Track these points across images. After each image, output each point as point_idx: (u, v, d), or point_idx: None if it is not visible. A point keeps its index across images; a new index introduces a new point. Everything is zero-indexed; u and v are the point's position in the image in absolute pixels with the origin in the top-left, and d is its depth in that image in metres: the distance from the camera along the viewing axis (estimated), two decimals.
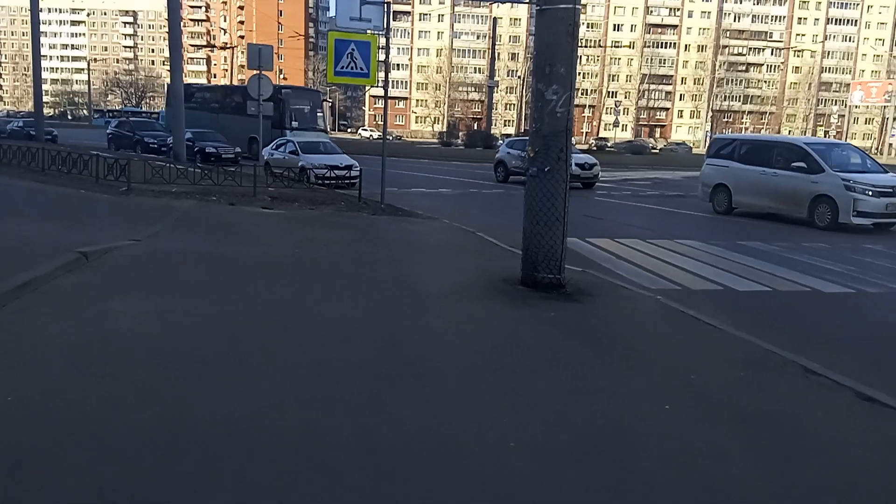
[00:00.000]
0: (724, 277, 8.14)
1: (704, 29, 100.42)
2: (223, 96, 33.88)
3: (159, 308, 5.15)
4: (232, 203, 11.75)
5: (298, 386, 3.84)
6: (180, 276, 6.35)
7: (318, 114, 29.20)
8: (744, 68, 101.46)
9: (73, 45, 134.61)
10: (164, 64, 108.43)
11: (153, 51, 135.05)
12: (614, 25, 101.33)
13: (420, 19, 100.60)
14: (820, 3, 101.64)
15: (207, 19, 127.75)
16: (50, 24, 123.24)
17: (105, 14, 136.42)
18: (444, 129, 76.13)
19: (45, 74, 33.42)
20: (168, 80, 29.08)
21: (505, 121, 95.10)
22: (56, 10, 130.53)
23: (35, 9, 26.86)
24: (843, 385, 4.22)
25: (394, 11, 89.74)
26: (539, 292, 6.26)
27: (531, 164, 6.49)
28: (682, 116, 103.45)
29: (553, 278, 6.41)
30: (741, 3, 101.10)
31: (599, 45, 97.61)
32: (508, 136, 66.51)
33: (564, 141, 6.40)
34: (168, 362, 4.06)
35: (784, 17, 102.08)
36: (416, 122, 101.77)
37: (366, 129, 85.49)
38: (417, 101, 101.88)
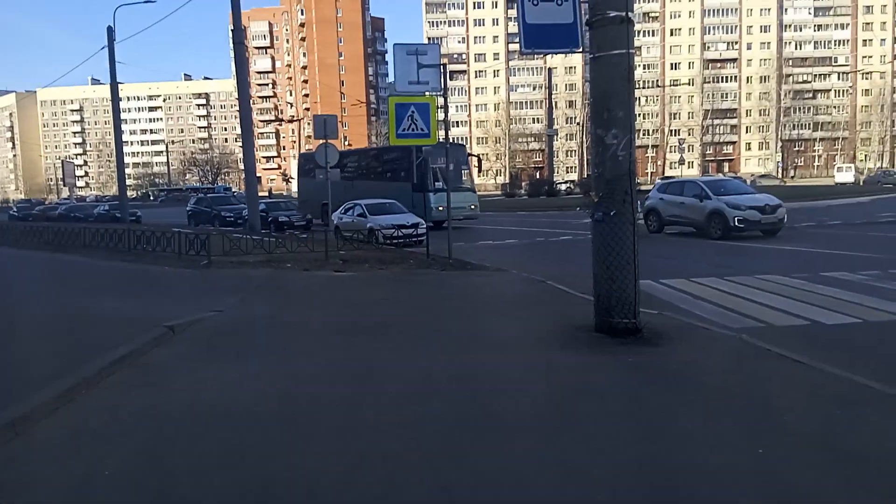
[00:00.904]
0: (811, 311, 7.82)
1: (765, 59, 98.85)
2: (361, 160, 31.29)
3: (245, 374, 5.33)
4: (306, 269, 12.11)
5: (381, 442, 3.88)
6: (262, 343, 6.56)
7: (464, 170, 27.07)
8: (810, 95, 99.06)
9: (151, 130, 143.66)
10: (236, 140, 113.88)
11: (225, 129, 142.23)
12: (671, 64, 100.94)
13: (476, 76, 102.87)
14: (885, 22, 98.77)
15: (275, 95, 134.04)
16: (129, 111, 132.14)
17: (180, 98, 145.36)
18: (507, 181, 76.68)
19: (126, 159, 35.63)
20: (241, 153, 30.77)
21: (567, 167, 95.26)
22: (135, 97, 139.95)
23: (115, 97, 28.86)
24: None
25: (450, 72, 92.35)
26: (615, 338, 6.17)
27: (597, 209, 6.49)
28: (750, 149, 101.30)
29: (628, 323, 6.31)
30: (801, 31, 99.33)
31: (658, 85, 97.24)
32: (573, 182, 66.45)
33: (628, 184, 6.39)
34: (256, 424, 4.19)
35: (847, 40, 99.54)
36: (479, 176, 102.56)
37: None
38: (479, 155, 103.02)
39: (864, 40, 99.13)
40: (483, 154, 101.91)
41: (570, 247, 17.03)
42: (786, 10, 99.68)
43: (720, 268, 11.53)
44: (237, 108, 22.07)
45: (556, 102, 73.84)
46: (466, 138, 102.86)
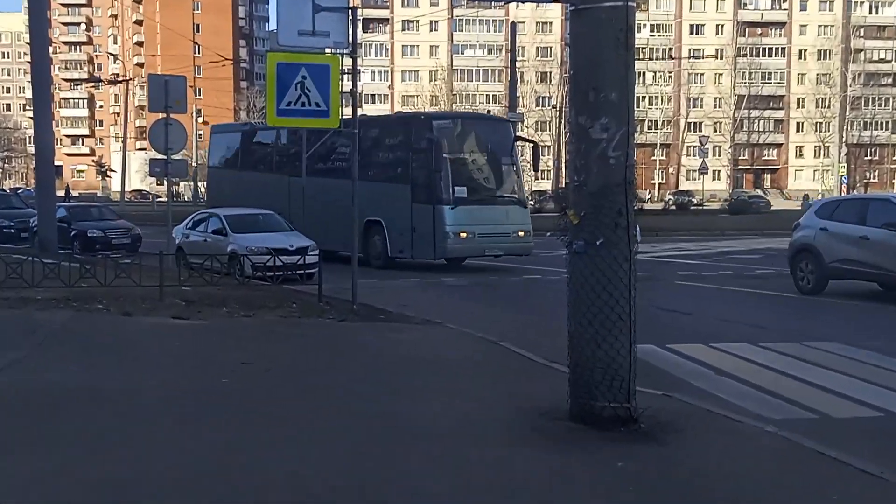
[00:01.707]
0: (885, 398, 8.10)
1: (826, 26, 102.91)
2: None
3: (21, 479, 5.12)
4: (127, 313, 11.83)
5: None
6: (52, 428, 6.31)
7: (505, 165, 22.53)
8: (889, 81, 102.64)
9: None
10: (24, 109, 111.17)
11: (8, 89, 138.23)
12: (692, 27, 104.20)
13: (404, 29, 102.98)
14: None
15: (90, 41, 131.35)
16: None
17: None
18: None
19: None
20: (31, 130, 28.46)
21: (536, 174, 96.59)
22: None
23: None
24: None
25: (364, 20, 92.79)
26: (598, 430, 6.21)
27: (576, 235, 6.54)
28: (801, 155, 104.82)
29: (619, 408, 6.36)
30: None
31: (672, 57, 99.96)
32: (542, 193, 66.74)
33: (624, 199, 6.45)
34: None
35: None
36: (534, 177, 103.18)
37: None
38: None
39: None
40: None
41: (536, 289, 17.22)
42: None
43: (752, 328, 11.81)
44: (28, 57, 20.72)
45: (521, 74, 74.92)
46: None
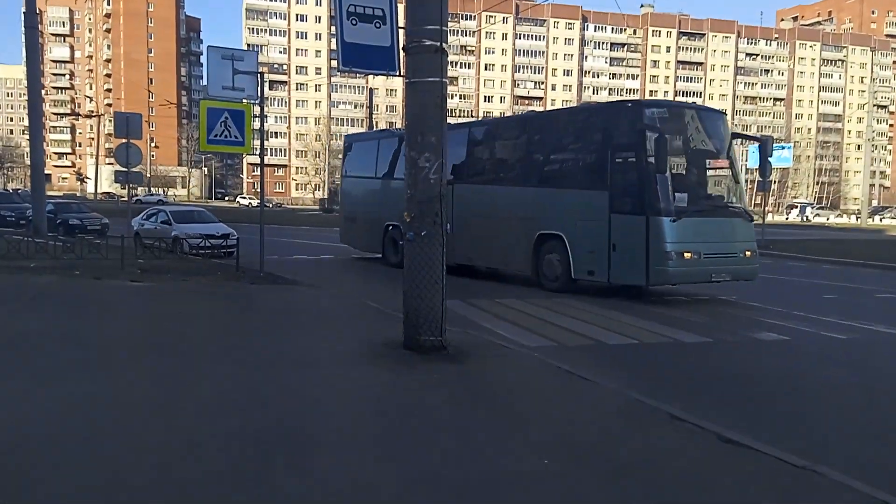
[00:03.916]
0: (596, 332, 8.50)
1: (567, 101, 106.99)
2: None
3: (10, 394, 4.72)
4: (97, 277, 11.04)
5: (171, 469, 3.60)
6: (36, 359, 5.85)
7: (722, 171, 12.44)
8: None
9: None
10: (23, 133, 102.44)
11: (12, 119, 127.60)
12: (485, 97, 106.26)
13: (297, 89, 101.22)
14: (668, 77, 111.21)
15: (72, 87, 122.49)
16: None
17: None
18: (326, 196, 75.98)
19: None
20: (28, 148, 26.37)
21: None
22: None
23: None
24: (705, 429, 4.46)
25: (270, 81, 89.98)
26: (421, 355, 6.26)
27: (408, 228, 6.58)
28: None
29: (435, 340, 6.43)
30: (598, 77, 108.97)
31: (472, 116, 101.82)
32: None
33: (439, 206, 6.55)
34: (16, 448, 3.70)
35: (637, 89, 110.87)
36: (297, 190, 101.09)
37: (245, 197, 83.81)
38: (297, 168, 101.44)
39: (651, 91, 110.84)
40: (302, 168, 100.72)
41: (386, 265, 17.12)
42: (586, 57, 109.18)
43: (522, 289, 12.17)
44: (26, 96, 19.03)
45: (376, 122, 74.52)
46: (286, 150, 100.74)
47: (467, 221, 13.69)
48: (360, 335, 7.36)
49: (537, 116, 17.66)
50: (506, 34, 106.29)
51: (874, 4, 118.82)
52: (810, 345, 8.19)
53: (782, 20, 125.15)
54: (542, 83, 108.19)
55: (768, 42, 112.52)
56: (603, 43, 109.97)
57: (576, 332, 8.44)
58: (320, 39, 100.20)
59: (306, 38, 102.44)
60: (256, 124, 12.52)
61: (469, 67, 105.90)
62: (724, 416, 4.88)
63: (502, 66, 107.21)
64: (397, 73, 7.02)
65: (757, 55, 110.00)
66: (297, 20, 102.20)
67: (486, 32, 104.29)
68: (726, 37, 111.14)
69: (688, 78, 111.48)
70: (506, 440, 4.24)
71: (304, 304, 9.99)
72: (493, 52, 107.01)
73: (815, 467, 3.81)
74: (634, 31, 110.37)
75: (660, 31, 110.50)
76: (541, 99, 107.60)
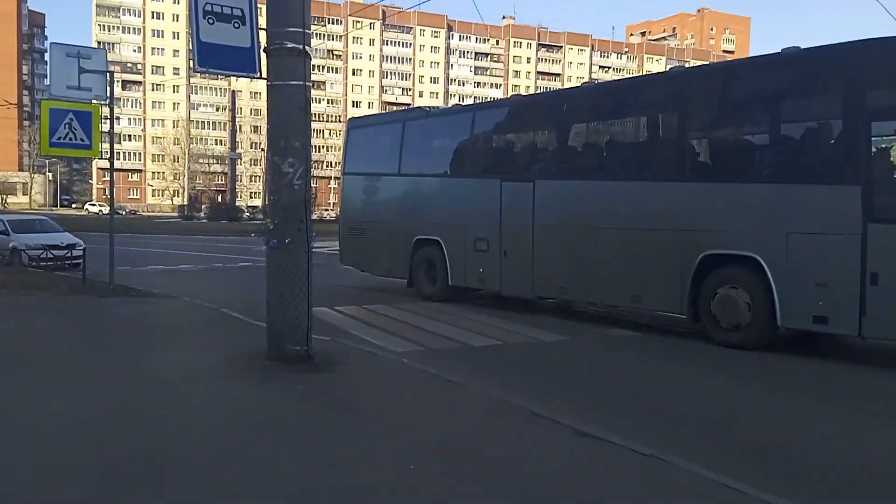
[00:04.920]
0: (463, 335, 8.67)
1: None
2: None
3: None
4: None
5: (15, 497, 3.29)
6: None
7: None
8: None
9: None
10: None
11: None
12: (353, 102, 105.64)
13: (153, 89, 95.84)
14: (529, 87, 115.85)
15: None
16: None
17: None
18: (185, 203, 72.56)
19: None
20: None
21: (252, 193, 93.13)
22: None
23: None
24: (563, 424, 4.67)
25: (122, 81, 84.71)
26: (286, 365, 6.12)
27: (271, 236, 6.41)
28: None
29: (300, 350, 6.31)
30: (464, 86, 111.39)
31: (341, 121, 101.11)
32: (255, 208, 64.44)
33: (304, 212, 6.45)
34: None
35: (500, 96, 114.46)
36: (154, 196, 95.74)
37: (94, 205, 78.32)
38: (154, 173, 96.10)
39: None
40: (159, 173, 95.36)
41: (249, 273, 16.58)
42: (452, 65, 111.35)
43: (392, 296, 12.18)
44: None
45: (240, 126, 72.29)
46: (141, 154, 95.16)
47: (557, 235, 9.73)
48: (222, 348, 7.07)
49: (698, 72, 11.47)
50: (373, 40, 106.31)
51: (713, 22, 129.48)
52: (651, 341, 8.79)
53: (632, 35, 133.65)
54: (410, 89, 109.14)
55: (619, 55, 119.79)
56: (468, 52, 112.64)
57: (443, 336, 8.58)
58: (178, 38, 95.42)
59: (163, 36, 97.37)
60: (106, 126, 11.76)
61: (337, 72, 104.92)
62: (580, 411, 5.14)
63: (370, 71, 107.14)
64: (258, 76, 6.83)
65: (609, 68, 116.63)
66: (152, 18, 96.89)
67: (354, 37, 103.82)
68: (581, 49, 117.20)
69: (547, 88, 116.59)
70: (372, 448, 4.23)
71: (159, 316, 9.47)
72: (361, 58, 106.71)
73: (661, 455, 4.09)
74: (497, 42, 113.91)
75: (521, 43, 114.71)
76: (409, 105, 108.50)
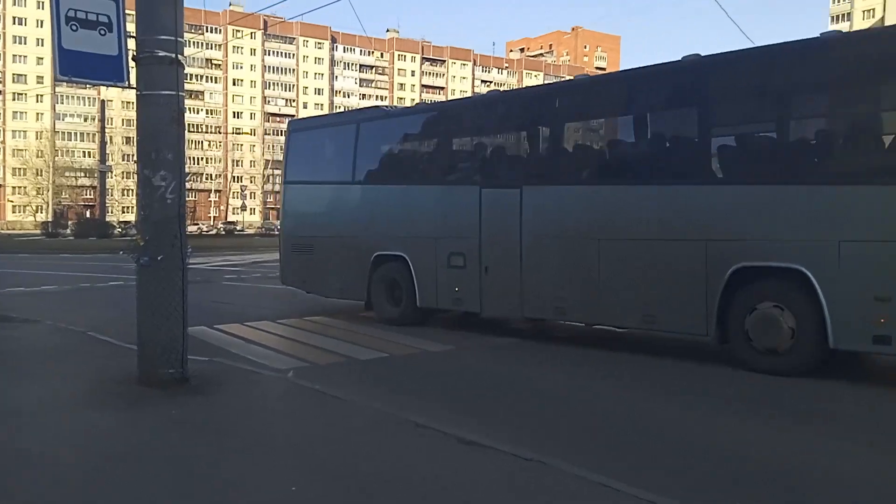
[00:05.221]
0: (349, 349, 8.56)
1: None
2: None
3: None
4: None
5: None
6: None
7: None
8: None
9: None
10: None
11: None
12: (234, 113, 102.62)
13: (14, 99, 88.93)
14: (414, 100, 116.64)
15: None
16: None
17: None
18: (50, 219, 67.53)
19: None
20: None
21: (124, 207, 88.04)
22: None
23: None
24: (448, 434, 4.69)
25: None
26: (160, 390, 5.79)
27: (142, 252, 6.07)
28: None
29: (175, 373, 5.99)
30: (349, 98, 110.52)
31: (220, 132, 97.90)
32: (127, 223, 60.94)
33: (178, 227, 6.16)
34: None
35: None
36: (14, 212, 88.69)
37: None
38: (14, 188, 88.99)
39: None
40: (20, 188, 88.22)
41: (120, 293, 15.61)
42: (336, 77, 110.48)
43: (273, 311, 11.83)
44: None
45: (111, 137, 68.20)
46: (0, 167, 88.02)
47: (552, 248, 8.55)
48: (88, 374, 6.60)
49: (727, 59, 7.70)
50: (254, 49, 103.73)
51: (586, 41, 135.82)
52: (532, 347, 9.05)
53: (511, 51, 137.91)
54: (294, 101, 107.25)
55: (500, 70, 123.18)
56: (352, 64, 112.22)
57: (330, 351, 8.44)
58: (42, 45, 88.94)
59: (25, 43, 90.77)
60: None
61: (216, 82, 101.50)
62: (465, 419, 5.19)
63: (252, 81, 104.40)
64: (126, 85, 6.48)
65: (491, 82, 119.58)
66: (14, 23, 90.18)
67: (234, 47, 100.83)
68: (464, 64, 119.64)
69: (432, 101, 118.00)
70: (252, 472, 4.06)
71: (20, 342, 8.70)
72: (242, 67, 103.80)
73: (543, 458, 4.19)
74: (382, 55, 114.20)
75: (405, 56, 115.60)
76: (293, 116, 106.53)
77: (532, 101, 10.28)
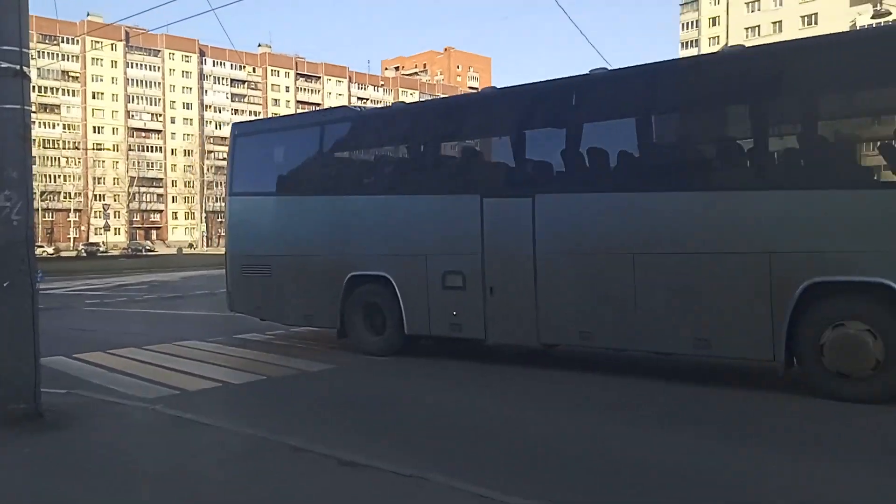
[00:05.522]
0: (223, 373, 8.21)
1: (188, 135, 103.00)
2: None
3: None
4: None
5: None
6: None
7: None
8: None
9: None
10: None
11: None
12: (95, 128, 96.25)
13: None
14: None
15: None
16: None
17: None
18: None
19: None
20: None
21: None
22: None
23: None
24: (327, 456, 4.59)
25: None
26: (9, 427, 5.29)
27: None
28: (177, 218, 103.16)
29: (27, 408, 5.51)
30: (220, 112, 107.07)
31: (79, 148, 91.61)
32: None
33: (26, 251, 5.70)
34: None
35: None
36: None
37: None
38: None
39: None
40: None
41: None
42: (206, 91, 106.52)
43: (139, 336, 11.14)
44: None
45: None
46: None
47: (575, 265, 7.49)
48: None
49: (799, 45, 7.34)
50: (115, 62, 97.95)
51: (459, 61, 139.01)
52: (411, 362, 9.07)
53: (386, 69, 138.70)
54: (161, 115, 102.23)
55: (376, 88, 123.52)
56: (223, 78, 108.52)
57: (202, 376, 8.04)
58: None
59: None
60: None
61: (74, 95, 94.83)
62: (343, 440, 5.10)
63: (113, 94, 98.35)
64: None
65: (367, 99, 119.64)
66: None
67: (93, 58, 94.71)
68: (339, 80, 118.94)
69: None
70: None
71: None
72: (102, 80, 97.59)
73: (422, 474, 4.19)
74: (254, 70, 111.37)
75: (279, 71, 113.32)
76: (160, 132, 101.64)
77: (549, 94, 8.22)
